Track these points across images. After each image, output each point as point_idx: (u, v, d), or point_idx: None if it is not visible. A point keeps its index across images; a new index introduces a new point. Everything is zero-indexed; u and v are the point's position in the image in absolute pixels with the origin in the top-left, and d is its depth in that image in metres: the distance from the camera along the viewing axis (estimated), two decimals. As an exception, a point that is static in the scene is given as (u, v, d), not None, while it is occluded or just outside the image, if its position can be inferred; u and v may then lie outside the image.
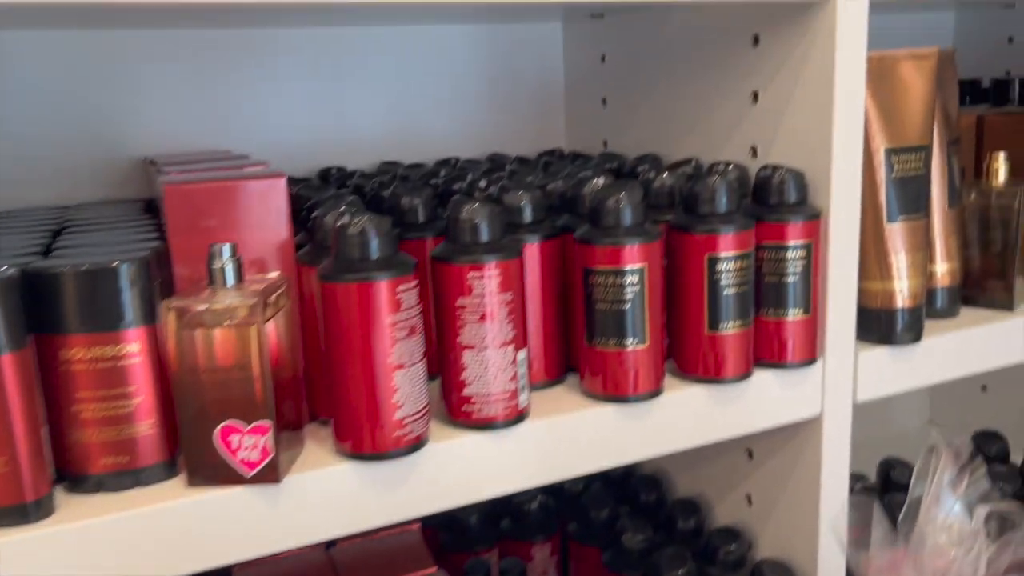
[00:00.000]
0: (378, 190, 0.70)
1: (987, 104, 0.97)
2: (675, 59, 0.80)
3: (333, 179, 0.84)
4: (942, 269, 0.76)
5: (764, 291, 0.64)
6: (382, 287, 0.50)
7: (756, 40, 0.69)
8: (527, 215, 0.61)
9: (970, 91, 1.03)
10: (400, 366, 0.51)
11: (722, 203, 0.61)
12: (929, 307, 0.76)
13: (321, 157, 0.89)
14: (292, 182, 0.78)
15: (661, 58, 0.81)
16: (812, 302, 0.64)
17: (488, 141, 0.97)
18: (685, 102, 0.79)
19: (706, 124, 0.77)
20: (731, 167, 0.69)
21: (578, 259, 0.59)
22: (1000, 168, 0.77)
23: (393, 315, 0.50)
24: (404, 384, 0.51)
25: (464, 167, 0.86)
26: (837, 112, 0.63)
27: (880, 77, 0.67)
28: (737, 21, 0.71)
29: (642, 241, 0.58)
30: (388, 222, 0.51)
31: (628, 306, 0.58)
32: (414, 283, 0.51)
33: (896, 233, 0.68)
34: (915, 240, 0.69)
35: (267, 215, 0.54)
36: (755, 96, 0.70)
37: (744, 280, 0.61)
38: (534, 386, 0.62)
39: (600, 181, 0.63)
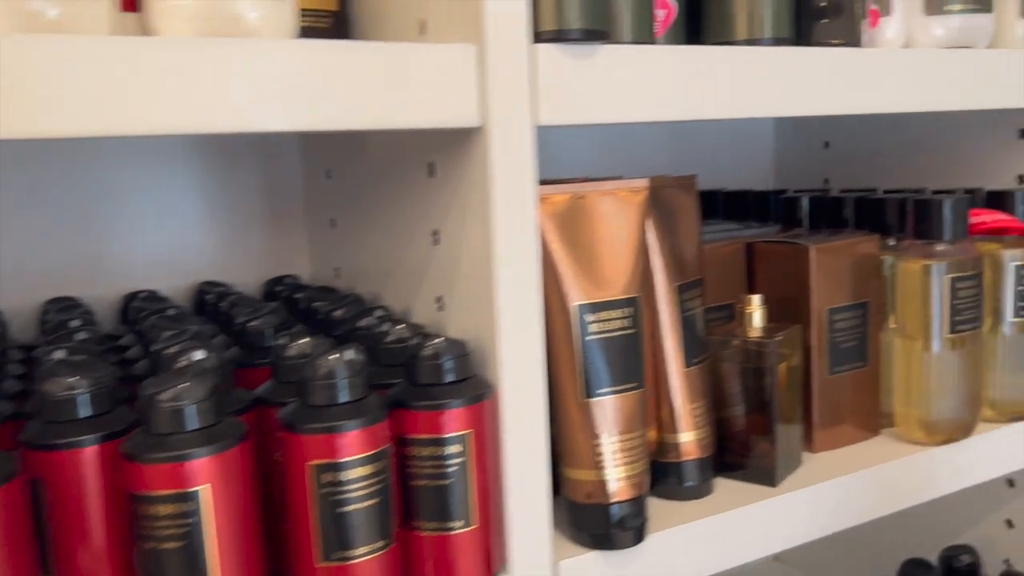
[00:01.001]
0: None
1: (778, 225, 0.86)
2: (377, 184, 0.66)
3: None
4: (687, 439, 0.62)
5: (413, 498, 0.49)
6: None
7: (431, 170, 0.56)
8: (80, 407, 0.46)
9: (774, 205, 0.93)
10: None
11: (340, 390, 0.46)
12: (676, 485, 0.62)
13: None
14: None
15: (371, 181, 0.68)
16: (480, 507, 0.50)
17: (215, 264, 0.81)
18: (384, 236, 0.66)
19: (400, 266, 0.63)
20: (377, 331, 0.55)
21: (123, 479, 0.43)
22: (755, 312, 0.65)
23: None
24: None
25: (140, 306, 0.71)
26: (499, 260, 0.50)
27: (572, 217, 0.54)
28: (411, 145, 0.58)
29: (207, 454, 0.42)
30: None
31: (185, 544, 0.42)
32: None
33: (602, 409, 0.54)
34: (629, 415, 0.55)
35: None
36: (435, 236, 0.57)
37: (374, 489, 0.46)
38: (94, 640, 0.46)
39: (189, 357, 0.48)
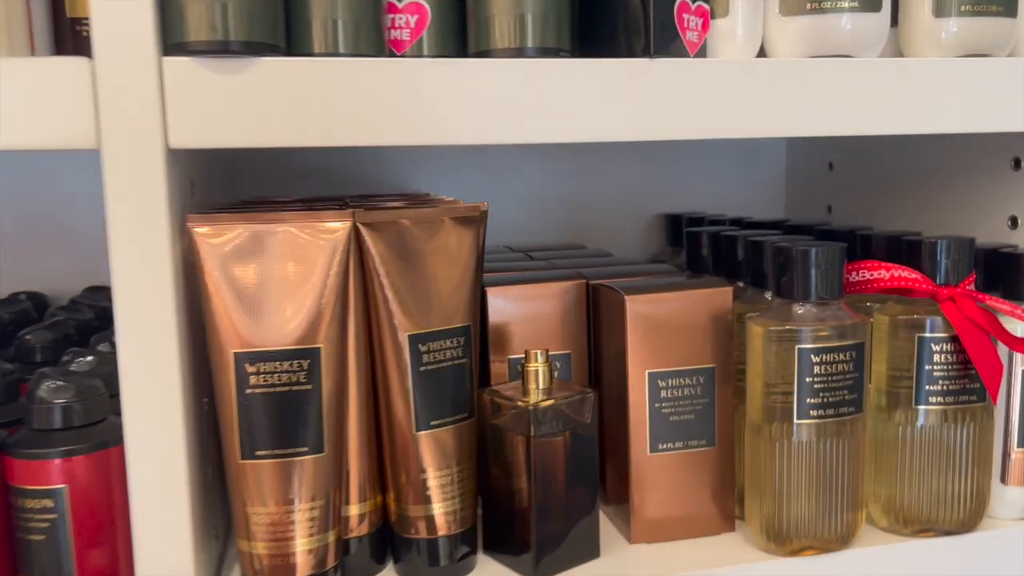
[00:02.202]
0: None
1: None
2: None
3: None
4: (436, 512, 0.53)
5: (21, 551, 0.45)
6: None
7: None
8: None
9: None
10: None
11: (-80, 428, 0.43)
12: (420, 564, 0.54)
13: None
14: None
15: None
16: (82, 570, 0.45)
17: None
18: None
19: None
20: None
21: None
22: (538, 370, 0.55)
23: None
24: None
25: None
26: (119, 296, 0.44)
27: (247, 255, 0.47)
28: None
29: None
30: None
31: None
32: None
33: (266, 472, 0.48)
34: (305, 482, 0.48)
35: None
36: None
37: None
38: None
39: None
